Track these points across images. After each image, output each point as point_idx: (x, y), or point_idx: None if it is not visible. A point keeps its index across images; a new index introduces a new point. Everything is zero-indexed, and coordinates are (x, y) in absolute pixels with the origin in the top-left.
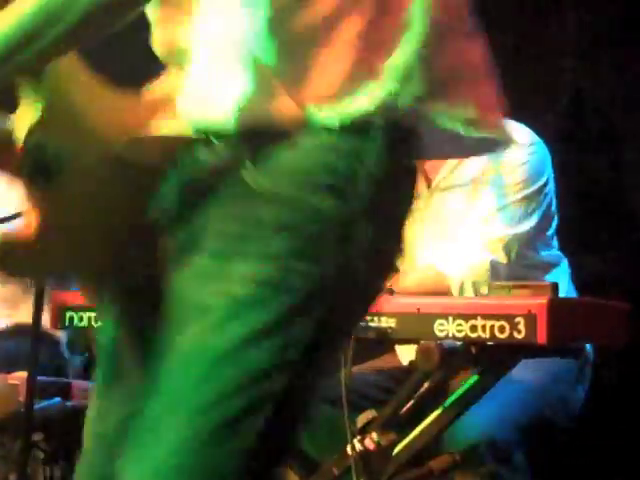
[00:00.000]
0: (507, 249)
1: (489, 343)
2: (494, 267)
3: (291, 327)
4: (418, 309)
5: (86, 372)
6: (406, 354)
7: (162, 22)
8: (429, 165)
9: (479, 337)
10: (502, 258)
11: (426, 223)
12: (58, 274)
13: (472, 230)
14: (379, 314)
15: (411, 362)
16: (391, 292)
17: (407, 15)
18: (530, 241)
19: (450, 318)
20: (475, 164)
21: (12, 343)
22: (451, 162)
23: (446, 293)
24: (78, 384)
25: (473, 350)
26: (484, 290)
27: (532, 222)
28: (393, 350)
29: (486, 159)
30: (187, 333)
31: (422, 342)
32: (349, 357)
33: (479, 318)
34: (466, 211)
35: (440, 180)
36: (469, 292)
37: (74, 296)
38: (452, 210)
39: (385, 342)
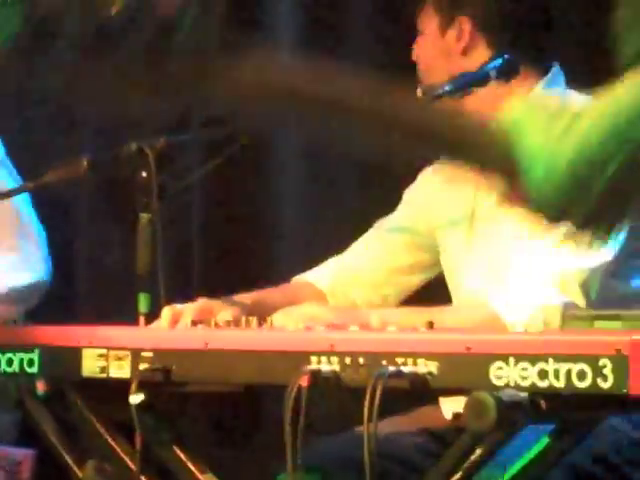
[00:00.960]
0: (585, 288)
1: (564, 394)
2: (569, 312)
3: None
4: (468, 348)
5: (21, 437)
6: (450, 405)
7: None
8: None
9: (550, 386)
10: (579, 299)
11: (473, 245)
12: None
13: (533, 260)
14: (415, 355)
15: (456, 415)
16: (430, 325)
17: None
18: (615, 269)
19: (511, 360)
20: None
21: None
22: None
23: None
24: (8, 453)
25: (542, 404)
26: None
27: (614, 246)
28: (434, 400)
29: None
30: None
31: (473, 393)
32: (375, 410)
33: (550, 360)
34: (523, 233)
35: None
36: None
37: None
38: (505, 231)
39: (423, 393)
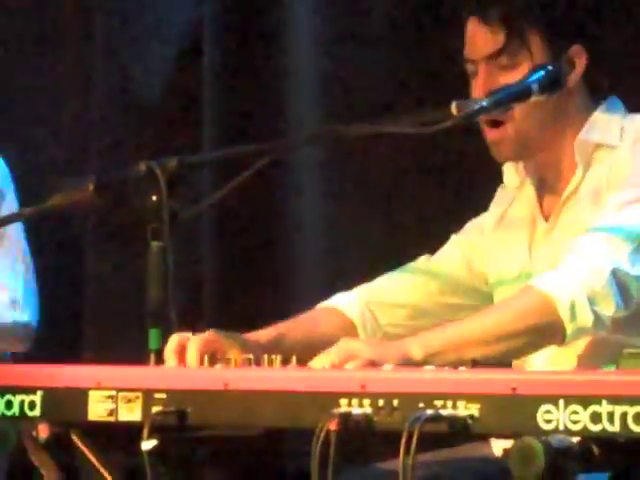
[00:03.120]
0: (634, 256)
1: (619, 439)
2: (617, 276)
3: None
4: (513, 389)
5: None
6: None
7: None
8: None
9: (603, 431)
10: (627, 266)
11: (543, 264)
12: None
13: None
14: (454, 397)
15: (507, 452)
16: (473, 363)
17: None
18: None
19: (560, 402)
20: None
21: None
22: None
23: (556, 323)
24: None
25: (595, 450)
26: (608, 310)
27: None
28: None
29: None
30: None
31: (520, 438)
32: (411, 457)
33: (604, 402)
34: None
35: (560, 207)
36: (585, 316)
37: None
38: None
39: (464, 438)
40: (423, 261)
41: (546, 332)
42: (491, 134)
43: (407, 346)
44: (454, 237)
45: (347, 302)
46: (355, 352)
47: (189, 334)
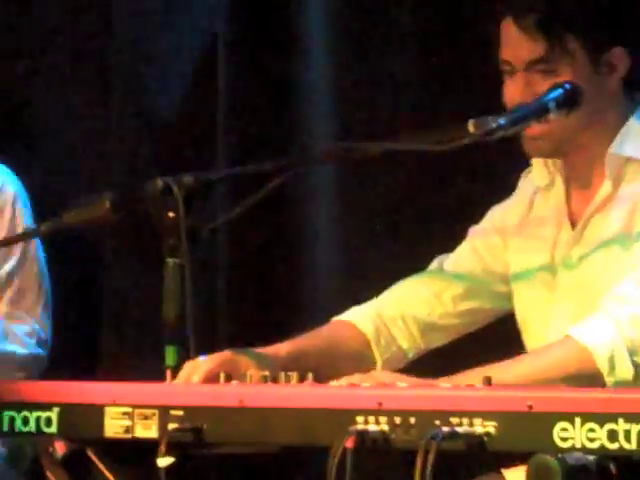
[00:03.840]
0: None
1: (636, 458)
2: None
3: None
4: (529, 407)
5: None
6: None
7: None
8: (577, 199)
9: (620, 449)
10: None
11: (563, 289)
12: None
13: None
14: (471, 414)
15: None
16: (488, 381)
17: None
18: None
19: (577, 420)
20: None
21: None
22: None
23: (595, 375)
24: None
25: (612, 468)
26: None
27: None
28: (494, 465)
29: None
30: None
31: (536, 456)
32: (428, 477)
33: (620, 420)
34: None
35: (588, 219)
36: (624, 369)
37: (15, 389)
38: (603, 267)
39: (480, 456)
40: (436, 268)
41: (583, 383)
42: (534, 129)
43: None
44: (470, 238)
45: (361, 316)
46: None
47: (202, 358)
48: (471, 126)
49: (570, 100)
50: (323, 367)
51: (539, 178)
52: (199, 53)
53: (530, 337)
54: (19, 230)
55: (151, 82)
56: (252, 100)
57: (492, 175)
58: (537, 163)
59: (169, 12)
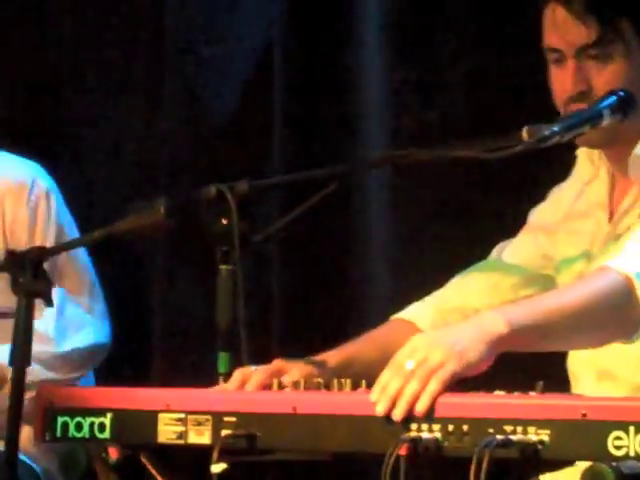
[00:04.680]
0: None
1: None
2: None
3: None
4: (584, 415)
5: None
6: None
7: None
8: (617, 192)
9: None
10: None
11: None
12: None
13: None
14: (525, 422)
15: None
16: (542, 389)
17: None
18: None
19: (631, 428)
20: None
21: None
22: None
23: (630, 304)
24: None
25: None
26: None
27: None
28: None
29: None
30: None
31: (590, 465)
32: (483, 472)
33: None
34: None
35: (622, 215)
36: None
37: (69, 394)
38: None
39: (534, 464)
40: (494, 258)
41: (624, 313)
42: None
43: (488, 322)
44: (529, 224)
45: (419, 313)
46: (436, 365)
47: (252, 367)
48: (525, 133)
49: (624, 107)
50: (376, 372)
51: (584, 172)
52: (254, 59)
53: None
54: (54, 223)
55: (204, 89)
56: (307, 106)
57: (540, 180)
58: (582, 157)
59: (223, 19)
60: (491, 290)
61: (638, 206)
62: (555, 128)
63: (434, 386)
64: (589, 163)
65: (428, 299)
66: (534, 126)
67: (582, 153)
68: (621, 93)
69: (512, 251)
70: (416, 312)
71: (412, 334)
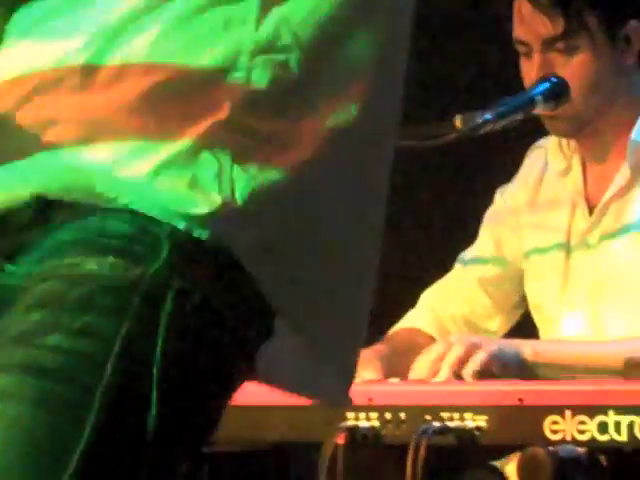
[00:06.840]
0: None
1: (626, 450)
2: (631, 360)
3: None
4: (520, 400)
5: None
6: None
7: None
8: (594, 179)
9: (612, 441)
10: None
11: (578, 270)
12: None
13: None
14: (461, 408)
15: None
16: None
17: None
18: None
19: (567, 413)
20: None
21: None
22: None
23: None
24: None
25: (603, 461)
26: None
27: None
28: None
29: None
30: None
31: (527, 449)
32: (419, 471)
33: (610, 413)
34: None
35: (607, 205)
36: None
37: None
38: (623, 252)
39: (471, 450)
40: (460, 267)
41: None
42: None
43: (520, 345)
44: (485, 224)
45: (423, 321)
46: (478, 343)
47: None
48: (458, 121)
49: (557, 93)
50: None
51: (555, 163)
52: None
53: (543, 317)
54: None
55: None
56: None
57: (487, 171)
58: (553, 148)
59: None
60: (469, 298)
61: (625, 198)
62: (487, 116)
63: (480, 355)
64: (561, 155)
65: (421, 306)
66: (467, 114)
67: (553, 143)
68: (554, 79)
69: (474, 256)
70: (419, 320)
71: (427, 339)
